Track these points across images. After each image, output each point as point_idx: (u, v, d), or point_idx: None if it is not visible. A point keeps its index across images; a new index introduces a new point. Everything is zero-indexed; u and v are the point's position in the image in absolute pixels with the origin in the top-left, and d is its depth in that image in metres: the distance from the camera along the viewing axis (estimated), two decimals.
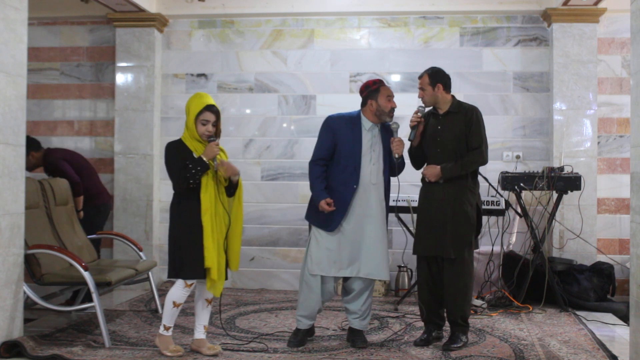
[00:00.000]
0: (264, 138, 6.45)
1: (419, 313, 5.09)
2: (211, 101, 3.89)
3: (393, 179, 4.26)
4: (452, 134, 4.14)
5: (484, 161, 4.15)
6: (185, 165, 3.78)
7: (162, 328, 3.94)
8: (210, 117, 3.86)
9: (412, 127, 4.21)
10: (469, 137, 4.11)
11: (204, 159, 3.81)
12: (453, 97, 4.24)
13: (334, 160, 4.14)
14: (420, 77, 4.22)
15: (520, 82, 6.25)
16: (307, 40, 6.43)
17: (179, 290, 3.88)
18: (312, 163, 4.18)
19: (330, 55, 6.41)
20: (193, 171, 3.77)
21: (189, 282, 3.86)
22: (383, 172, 4.17)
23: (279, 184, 6.40)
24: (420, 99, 4.25)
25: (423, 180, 4.27)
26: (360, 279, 4.12)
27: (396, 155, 4.10)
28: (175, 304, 3.88)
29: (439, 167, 4.10)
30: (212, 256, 3.78)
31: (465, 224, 4.09)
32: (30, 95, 5.90)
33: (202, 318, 4.00)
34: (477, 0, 6.20)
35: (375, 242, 4.09)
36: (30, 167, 5.53)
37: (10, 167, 3.92)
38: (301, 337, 4.18)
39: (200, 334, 4.00)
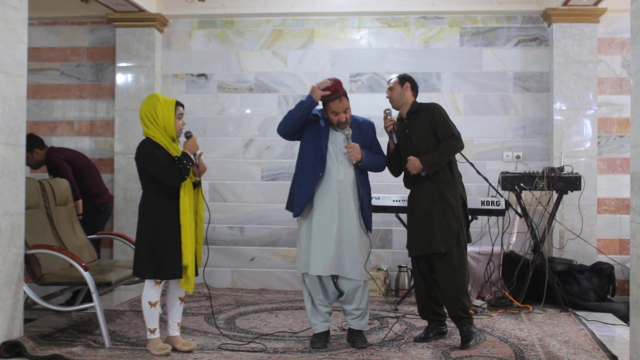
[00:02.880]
0: (264, 138, 6.45)
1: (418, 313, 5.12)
2: (172, 98, 4.00)
3: (375, 177, 4.29)
4: (420, 134, 4.19)
5: (460, 145, 4.18)
6: (173, 161, 3.80)
7: (147, 333, 3.96)
8: (182, 110, 3.96)
9: (390, 132, 4.24)
10: (437, 131, 4.16)
11: (189, 153, 3.86)
12: (415, 100, 4.30)
13: (300, 155, 4.16)
14: (389, 82, 4.34)
15: (520, 82, 6.25)
16: (307, 40, 6.43)
17: (151, 290, 3.90)
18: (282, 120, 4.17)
19: (330, 55, 6.41)
20: (188, 166, 3.79)
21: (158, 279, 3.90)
22: (355, 171, 4.09)
23: (279, 184, 6.39)
24: (387, 99, 4.31)
25: (406, 182, 4.31)
26: (346, 279, 4.07)
27: (354, 162, 4.05)
28: (151, 304, 3.90)
29: (418, 158, 4.12)
30: (189, 254, 3.83)
31: (450, 217, 4.11)
32: (30, 95, 5.89)
33: (176, 316, 4.04)
34: (477, 0, 6.21)
35: (343, 240, 4.02)
36: (34, 165, 5.55)
37: (10, 167, 3.92)
38: (324, 339, 4.16)
39: (174, 331, 4.03)
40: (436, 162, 4.11)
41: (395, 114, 4.33)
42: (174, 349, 3.99)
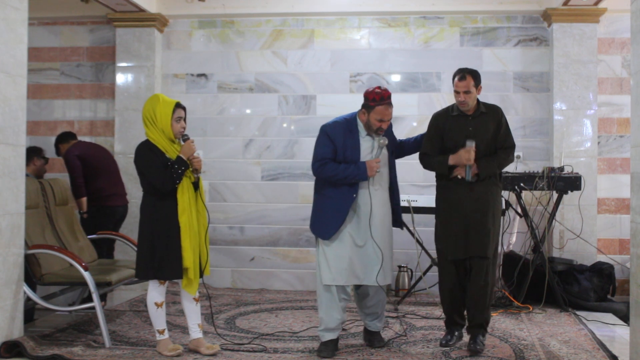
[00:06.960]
0: (264, 138, 6.45)
1: (419, 313, 5.11)
2: (173, 99, 3.92)
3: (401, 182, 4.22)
4: (485, 135, 4.06)
5: (512, 160, 4.18)
6: (166, 166, 3.78)
7: (156, 334, 3.94)
8: (182, 113, 3.90)
9: (469, 167, 3.99)
10: (502, 136, 4.09)
11: (184, 157, 3.81)
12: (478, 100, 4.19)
13: None
14: (461, 79, 3.97)
15: (520, 82, 6.25)
16: (307, 40, 6.43)
17: (155, 290, 3.88)
18: (319, 164, 3.93)
19: (331, 55, 6.41)
20: (179, 171, 3.77)
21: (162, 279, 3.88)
22: (389, 175, 4.06)
23: (279, 184, 6.40)
24: (463, 103, 4.01)
25: (448, 179, 4.10)
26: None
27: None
28: (157, 305, 3.87)
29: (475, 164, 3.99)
30: (189, 256, 3.79)
31: (497, 224, 4.11)
32: (30, 95, 5.90)
33: (194, 317, 3.98)
34: (477, 0, 6.21)
35: (382, 247, 3.94)
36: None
37: (10, 167, 3.92)
38: (332, 347, 3.98)
39: (196, 333, 3.98)
40: (491, 172, 4.04)
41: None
42: (198, 352, 3.93)
